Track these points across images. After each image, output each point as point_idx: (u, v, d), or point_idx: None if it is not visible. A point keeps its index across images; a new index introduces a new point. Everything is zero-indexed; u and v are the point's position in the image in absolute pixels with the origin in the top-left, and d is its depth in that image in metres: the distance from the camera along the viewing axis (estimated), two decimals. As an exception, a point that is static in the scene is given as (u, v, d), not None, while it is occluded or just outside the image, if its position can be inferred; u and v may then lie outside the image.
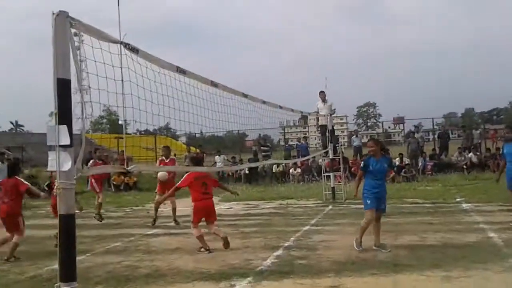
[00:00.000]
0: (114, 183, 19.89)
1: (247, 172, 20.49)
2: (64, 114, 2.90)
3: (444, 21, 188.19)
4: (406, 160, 19.55)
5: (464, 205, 11.20)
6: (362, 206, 11.74)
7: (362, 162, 7.23)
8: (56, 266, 6.31)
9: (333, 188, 13.63)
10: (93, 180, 10.90)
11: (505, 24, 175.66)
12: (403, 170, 18.23)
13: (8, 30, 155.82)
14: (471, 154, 19.78)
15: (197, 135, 33.57)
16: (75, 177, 2.92)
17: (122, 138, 29.11)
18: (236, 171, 20.86)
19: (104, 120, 74.67)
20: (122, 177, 19.94)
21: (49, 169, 2.92)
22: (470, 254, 6.32)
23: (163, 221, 10.63)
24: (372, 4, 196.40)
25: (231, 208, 13.38)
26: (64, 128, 2.86)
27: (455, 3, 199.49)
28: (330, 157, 14.09)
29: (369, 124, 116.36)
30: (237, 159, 23.40)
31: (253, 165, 17.75)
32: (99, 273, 6.18)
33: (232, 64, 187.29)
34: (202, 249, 7.31)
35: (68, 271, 2.83)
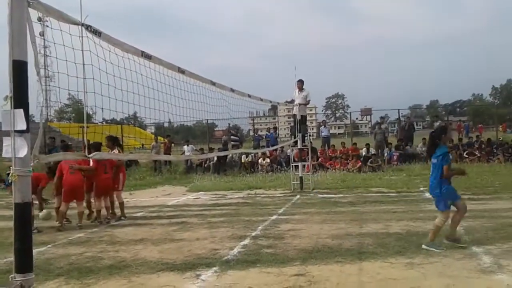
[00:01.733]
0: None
1: (215, 162, 20.36)
2: (20, 98, 2.75)
3: (409, 16, 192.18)
4: (372, 151, 19.91)
5: (427, 194, 11.45)
6: (329, 195, 12.07)
7: (447, 156, 6.19)
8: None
9: (301, 178, 13.72)
10: None
11: (466, 20, 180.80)
12: (369, 160, 18.55)
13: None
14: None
15: (165, 125, 33.18)
16: (31, 164, 2.79)
17: (88, 127, 28.39)
18: (205, 161, 20.71)
19: (69, 109, 72.73)
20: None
21: (3, 155, 2.77)
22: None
23: (128, 211, 10.44)
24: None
25: (198, 198, 13.29)
26: (20, 112, 2.71)
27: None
28: (299, 147, 14.15)
29: (337, 115, 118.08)
30: (206, 150, 23.25)
31: (221, 154, 17.63)
32: (60, 265, 6.02)
33: (202, 55, 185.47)
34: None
35: (24, 261, 2.70)
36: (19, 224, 2.70)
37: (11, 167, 2.77)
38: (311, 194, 12.60)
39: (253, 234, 7.57)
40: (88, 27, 3.53)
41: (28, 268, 2.71)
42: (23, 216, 2.71)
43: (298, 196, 12.27)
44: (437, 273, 5.08)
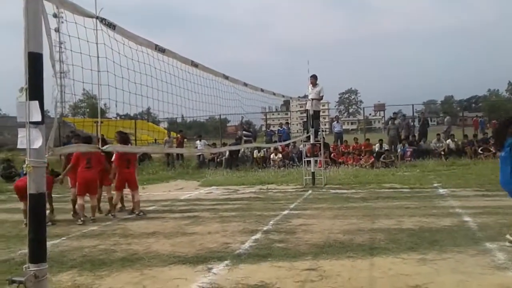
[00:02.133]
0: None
1: (227, 157, 20.42)
2: (35, 90, 2.77)
3: (423, 9, 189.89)
4: (386, 146, 19.77)
5: (441, 190, 11.38)
6: (341, 191, 12.02)
7: None
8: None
9: (313, 173, 13.69)
10: None
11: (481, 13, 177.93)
12: (382, 156, 18.43)
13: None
14: (449, 140, 20.09)
15: (178, 120, 33.30)
16: (46, 155, 2.82)
17: (102, 122, 28.64)
18: (217, 156, 20.77)
19: (84, 104, 73.43)
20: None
21: (19, 146, 2.80)
22: (445, 237, 6.42)
23: (141, 205, 10.49)
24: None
25: (211, 192, 13.34)
26: (35, 104, 2.74)
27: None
28: (311, 142, 14.10)
29: (350, 110, 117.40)
30: (219, 145, 23.34)
31: (233, 148, 17.66)
32: (74, 257, 6.09)
33: (213, 49, 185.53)
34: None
35: (37, 251, 2.73)
36: (33, 214, 2.73)
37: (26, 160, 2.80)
38: (323, 190, 12.56)
39: (265, 228, 7.58)
40: (102, 20, 3.55)
41: (42, 258, 2.74)
42: (37, 207, 2.74)
43: (310, 192, 12.24)
44: (450, 269, 5.03)
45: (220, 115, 21.84)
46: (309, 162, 14.11)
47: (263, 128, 27.60)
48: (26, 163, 2.74)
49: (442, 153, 19.19)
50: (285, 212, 9.13)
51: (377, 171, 16.51)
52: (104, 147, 3.63)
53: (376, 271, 5.07)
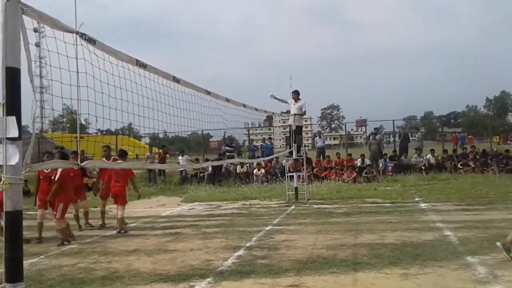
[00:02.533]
0: (73, 183, 19.26)
1: (210, 172, 20.31)
2: (12, 105, 2.73)
3: (403, 28, 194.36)
4: (367, 161, 19.94)
5: (422, 205, 11.49)
6: (324, 206, 12.03)
7: None
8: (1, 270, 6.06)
9: (296, 188, 13.70)
10: None
11: (459, 32, 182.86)
12: (364, 171, 18.57)
13: None
14: (429, 155, 20.38)
15: (160, 135, 33.07)
16: (23, 172, 2.76)
17: (82, 137, 28.27)
18: (200, 171, 20.64)
19: (64, 120, 72.50)
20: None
21: (-6, 163, 2.74)
22: (427, 252, 6.46)
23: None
24: (335, 9, 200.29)
25: (193, 208, 13.21)
26: (12, 119, 2.69)
27: (414, 11, 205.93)
28: (294, 157, 14.14)
29: (332, 126, 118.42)
30: (201, 160, 23.23)
31: (216, 163, 17.59)
32: (52, 276, 5.94)
33: (198, 65, 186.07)
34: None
35: (14, 270, 2.66)
36: (9, 232, 2.66)
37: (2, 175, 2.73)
38: (306, 205, 12.56)
39: (248, 244, 7.52)
40: (82, 35, 3.53)
41: (19, 278, 2.67)
42: (14, 225, 2.68)
43: (293, 207, 12.23)
44: (432, 283, 5.05)
45: (202, 130, 21.75)
46: (292, 177, 14.13)
47: (246, 143, 27.58)
48: (2, 180, 2.68)
49: (423, 167, 19.44)
50: (268, 227, 9.08)
51: (359, 186, 16.61)
52: (84, 163, 3.57)
53: (359, 286, 5.07)
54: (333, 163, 20.31)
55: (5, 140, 2.69)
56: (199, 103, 7.05)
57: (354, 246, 7.05)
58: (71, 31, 3.43)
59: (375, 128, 24.58)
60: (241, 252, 6.99)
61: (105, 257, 7.01)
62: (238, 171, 20.49)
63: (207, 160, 22.28)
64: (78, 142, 3.89)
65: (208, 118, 7.71)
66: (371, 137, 23.21)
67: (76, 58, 3.49)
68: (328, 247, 7.02)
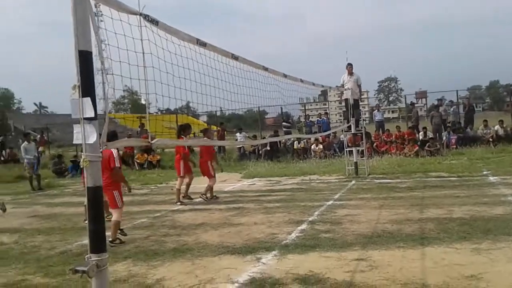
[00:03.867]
0: (138, 161, 20.15)
1: (268, 149, 20.44)
2: (86, 87, 2.86)
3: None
4: (430, 134, 19.19)
5: (491, 178, 10.94)
6: (385, 181, 11.78)
7: None
8: (85, 241, 6.47)
9: (355, 163, 13.49)
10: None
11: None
12: (427, 144, 17.91)
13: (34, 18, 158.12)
14: (497, 127, 19.26)
15: (217, 113, 33.60)
16: (100, 149, 2.91)
17: (145, 117, 29.28)
18: (258, 148, 20.83)
19: (126, 100, 75.38)
20: (146, 155, 20.17)
21: (74, 142, 2.90)
22: (499, 226, 6.18)
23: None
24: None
25: (253, 184, 13.41)
26: (88, 100, 2.82)
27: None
28: (352, 131, 13.89)
29: (390, 99, 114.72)
30: (259, 137, 23.39)
31: (274, 139, 17.65)
32: (127, 248, 6.30)
33: (249, 41, 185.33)
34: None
35: (98, 242, 2.84)
36: (92, 206, 2.83)
37: (75, 156, 2.89)
38: (367, 180, 12.36)
39: (310, 219, 7.55)
40: (146, 17, 3.61)
41: (102, 249, 2.85)
42: (95, 199, 2.84)
43: (353, 182, 12.08)
44: (506, 258, 4.84)
45: (259, 107, 21.83)
46: (351, 152, 13.91)
47: (302, 119, 27.39)
48: (83, 157, 2.84)
49: (490, 140, 18.42)
50: (330, 202, 9.05)
51: (422, 159, 16.05)
52: (154, 141, 3.71)
53: (428, 261, 4.95)
54: (393, 136, 19.73)
55: (82, 120, 2.84)
56: (256, 79, 7.04)
57: (420, 220, 6.88)
58: (135, 13, 3.51)
59: (437, 100, 23.54)
60: (304, 226, 7.04)
61: (174, 230, 7.33)
62: (295, 147, 20.46)
63: (264, 137, 22.33)
64: (148, 121, 4.03)
65: (264, 94, 7.69)
66: (433, 110, 22.25)
67: (141, 40, 3.58)
68: (393, 222, 6.90)
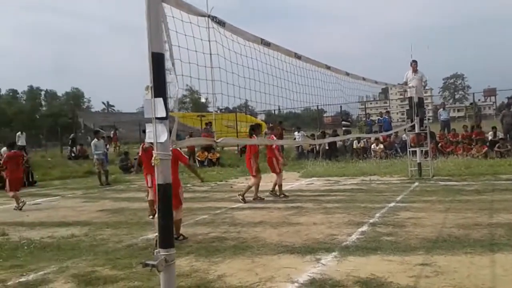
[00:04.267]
0: (199, 159, 20.66)
1: (326, 148, 20.23)
2: (159, 88, 2.97)
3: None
4: (500, 134, 18.14)
5: None
6: (451, 183, 11.30)
7: None
8: (149, 236, 6.74)
9: (419, 164, 13.04)
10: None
11: None
12: (497, 145, 16.94)
13: (103, 18, 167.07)
14: None
15: (275, 112, 33.70)
16: (170, 148, 3.02)
17: (204, 116, 29.98)
18: (317, 147, 20.68)
19: (187, 99, 77.42)
20: (206, 153, 20.65)
21: (147, 140, 3.04)
22: None
23: (246, 195, 10.84)
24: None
25: (312, 183, 13.33)
26: (160, 100, 2.94)
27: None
28: (416, 131, 13.43)
29: (456, 96, 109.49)
30: (317, 135, 23.19)
31: (333, 139, 17.45)
32: (189, 243, 6.48)
33: (313, 38, 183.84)
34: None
35: (166, 238, 2.95)
36: (162, 203, 2.94)
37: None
38: (431, 182, 11.92)
39: (371, 221, 7.40)
40: (213, 18, 3.70)
41: (170, 244, 2.96)
42: (165, 196, 2.95)
43: (416, 183, 11.68)
44: None
45: (318, 105, 21.64)
46: (414, 152, 13.47)
47: (360, 118, 26.85)
48: (154, 156, 2.96)
49: None
50: (391, 204, 8.82)
51: (491, 161, 15.21)
52: (219, 140, 3.80)
53: (498, 268, 4.70)
54: (460, 136, 18.85)
55: (154, 119, 2.96)
56: (318, 78, 6.99)
57: (489, 226, 6.54)
58: (203, 15, 3.61)
59: (508, 98, 22.16)
60: (364, 228, 6.91)
61: (234, 228, 7.45)
62: (355, 146, 20.10)
63: (323, 133, 22.05)
64: (213, 121, 4.12)
65: (324, 93, 7.60)
66: (504, 108, 20.98)
67: (209, 41, 3.67)
68: (460, 226, 6.61)
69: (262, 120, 35.50)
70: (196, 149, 21.15)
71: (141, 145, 9.45)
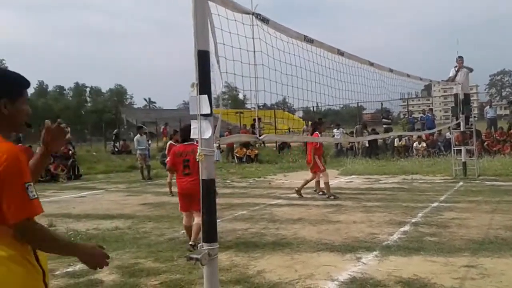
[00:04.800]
0: (237, 155, 20.82)
1: (366, 145, 19.92)
2: (204, 85, 3.02)
3: None
4: (552, 134, 17.30)
5: None
6: (498, 183, 10.88)
7: None
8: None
9: (464, 163, 12.63)
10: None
11: None
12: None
13: (144, 17, 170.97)
14: None
15: (314, 109, 33.44)
16: (214, 144, 3.07)
17: (242, 112, 30.16)
18: (355, 144, 20.40)
19: (226, 96, 78.08)
20: (244, 150, 20.78)
21: (192, 137, 3.10)
22: None
23: (284, 192, 10.88)
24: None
25: (351, 181, 13.17)
26: (205, 97, 2.99)
27: None
28: (462, 129, 13.00)
29: (503, 94, 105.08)
30: (356, 128, 22.85)
31: (375, 137, 17.15)
32: (229, 239, 6.56)
33: (351, 35, 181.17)
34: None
35: (210, 232, 3.00)
36: (206, 198, 3.00)
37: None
38: (476, 181, 11.53)
39: (413, 220, 7.25)
40: (257, 16, 3.72)
41: (214, 238, 3.01)
42: (209, 191, 3.00)
43: (461, 183, 11.33)
44: None
45: (358, 102, 21.30)
46: (458, 151, 13.05)
47: (401, 116, 26.25)
48: (198, 152, 3.02)
49: None
50: (435, 204, 8.61)
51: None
52: (261, 137, 3.82)
53: (550, 273, 4.51)
54: (508, 135, 18.10)
55: (199, 116, 3.02)
56: (360, 75, 6.86)
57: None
58: (248, 12, 3.64)
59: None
60: (406, 227, 6.78)
61: (273, 224, 7.48)
62: (396, 144, 19.69)
63: (364, 126, 21.58)
64: (256, 118, 4.15)
65: (365, 89, 7.43)
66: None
67: (253, 38, 3.69)
68: (507, 228, 6.39)
69: (299, 117, 35.41)
70: (234, 145, 21.33)
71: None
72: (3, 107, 1.95)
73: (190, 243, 5.91)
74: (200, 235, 3.02)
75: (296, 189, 10.50)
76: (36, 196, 1.86)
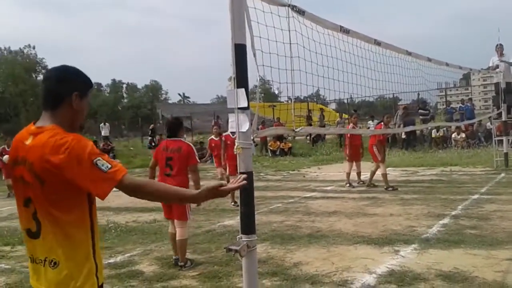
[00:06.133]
0: (271, 148, 20.84)
1: (403, 137, 19.52)
2: (241, 78, 3.04)
3: None
4: None
5: None
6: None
7: None
8: (227, 222, 6.94)
9: (506, 154, 12.20)
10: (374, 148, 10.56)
11: None
12: None
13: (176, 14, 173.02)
14: None
15: (348, 101, 33.02)
16: (252, 137, 3.09)
17: (275, 106, 30.08)
18: (391, 137, 20.02)
19: (259, 89, 78.23)
20: (278, 143, 20.77)
21: (229, 130, 3.14)
22: None
23: (319, 184, 10.82)
24: None
25: (388, 174, 12.90)
26: (242, 91, 3.01)
27: None
28: (503, 119, 12.55)
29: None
30: (392, 125, 22.42)
31: (413, 128, 16.77)
32: (264, 231, 6.60)
33: (385, 24, 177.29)
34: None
35: (248, 224, 3.04)
36: (244, 191, 3.03)
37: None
38: (519, 173, 11.13)
39: (453, 213, 7.08)
40: (293, 7, 3.71)
41: (252, 230, 3.04)
42: (247, 184, 3.03)
43: (502, 175, 10.97)
44: None
45: (393, 93, 20.88)
46: (500, 141, 12.62)
47: (438, 106, 25.52)
48: (236, 145, 3.06)
49: None
50: (475, 196, 8.37)
51: None
52: (298, 129, 3.82)
53: None
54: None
55: (237, 109, 3.04)
56: (397, 64, 6.72)
57: None
58: (284, 5, 3.63)
59: None
60: (446, 220, 6.64)
61: (308, 217, 7.47)
62: (433, 135, 19.21)
63: (405, 108, 21.05)
64: (293, 110, 4.16)
65: (402, 79, 7.26)
66: None
67: (289, 30, 3.69)
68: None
69: (333, 109, 35.03)
70: (268, 138, 21.34)
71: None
72: (75, 100, 1.95)
73: (174, 257, 5.34)
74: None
75: (366, 184, 10.69)
76: (109, 167, 1.84)
